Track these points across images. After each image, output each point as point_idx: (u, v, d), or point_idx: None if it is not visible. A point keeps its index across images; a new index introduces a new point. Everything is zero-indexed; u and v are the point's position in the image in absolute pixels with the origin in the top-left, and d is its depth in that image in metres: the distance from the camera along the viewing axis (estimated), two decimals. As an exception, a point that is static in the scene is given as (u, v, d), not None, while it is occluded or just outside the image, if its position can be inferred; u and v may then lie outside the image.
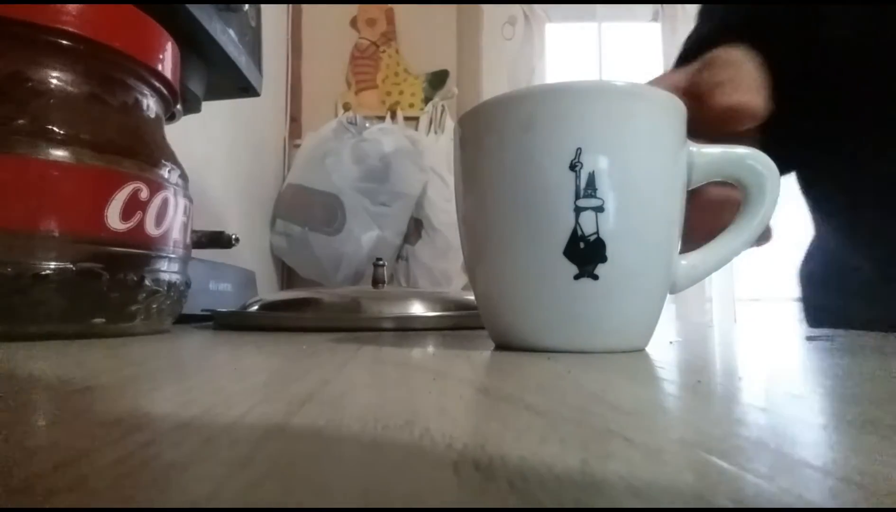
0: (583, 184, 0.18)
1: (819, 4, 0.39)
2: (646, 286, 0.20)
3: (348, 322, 0.36)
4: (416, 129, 1.47)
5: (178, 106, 0.37)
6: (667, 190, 0.19)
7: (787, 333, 0.33)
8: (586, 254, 0.18)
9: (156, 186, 0.29)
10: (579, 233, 0.18)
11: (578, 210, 0.18)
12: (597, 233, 0.18)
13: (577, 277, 0.18)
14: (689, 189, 0.21)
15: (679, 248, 0.21)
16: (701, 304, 1.48)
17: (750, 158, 0.20)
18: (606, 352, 0.20)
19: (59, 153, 0.26)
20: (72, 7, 0.27)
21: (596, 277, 0.18)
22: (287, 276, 1.42)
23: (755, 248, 0.23)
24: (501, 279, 0.20)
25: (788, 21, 0.38)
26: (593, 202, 0.18)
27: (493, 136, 0.19)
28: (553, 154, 0.18)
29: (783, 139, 0.26)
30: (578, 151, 0.18)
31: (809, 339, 0.27)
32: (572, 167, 0.18)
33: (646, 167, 0.19)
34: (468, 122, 0.20)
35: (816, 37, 0.32)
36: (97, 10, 0.28)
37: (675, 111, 0.20)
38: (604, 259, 0.18)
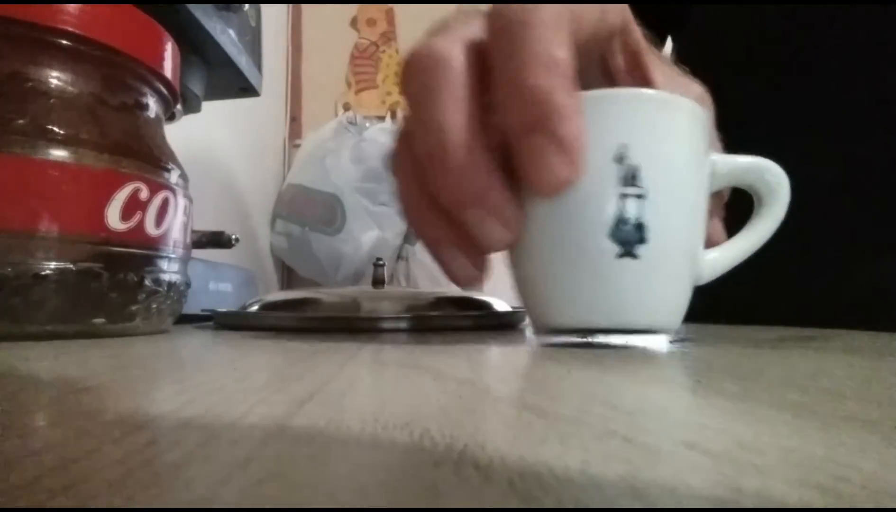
0: (627, 174, 0.20)
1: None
2: (678, 268, 0.22)
3: (348, 322, 0.36)
4: (416, 129, 1.47)
5: (178, 106, 0.37)
6: (696, 186, 0.22)
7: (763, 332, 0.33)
8: (629, 235, 0.20)
9: (156, 186, 0.29)
10: (623, 217, 0.20)
11: (623, 197, 0.20)
12: (639, 217, 0.20)
13: (619, 256, 0.21)
14: (711, 193, 0.23)
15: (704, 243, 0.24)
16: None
17: (766, 168, 0.24)
18: (643, 329, 0.22)
19: (59, 153, 0.26)
20: (72, 7, 0.27)
21: (636, 257, 0.21)
22: (287, 276, 1.42)
23: None
24: (550, 261, 0.22)
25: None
26: (635, 190, 0.20)
27: None
28: (601, 148, 0.20)
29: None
30: (623, 147, 0.20)
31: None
32: (618, 160, 0.20)
33: (679, 164, 0.22)
34: None
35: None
36: (97, 10, 0.28)
37: (702, 120, 0.22)
38: (644, 240, 0.20)
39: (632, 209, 0.20)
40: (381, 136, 1.30)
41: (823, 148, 0.40)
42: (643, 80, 0.25)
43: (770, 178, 0.24)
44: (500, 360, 0.21)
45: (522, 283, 0.23)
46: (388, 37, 1.64)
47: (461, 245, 0.22)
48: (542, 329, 0.24)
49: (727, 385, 0.15)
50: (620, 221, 0.20)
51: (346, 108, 1.56)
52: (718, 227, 0.27)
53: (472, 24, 0.21)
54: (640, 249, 0.20)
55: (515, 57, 0.19)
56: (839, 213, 0.40)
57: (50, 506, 0.06)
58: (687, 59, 0.31)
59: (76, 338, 0.26)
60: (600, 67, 0.25)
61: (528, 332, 0.35)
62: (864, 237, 0.40)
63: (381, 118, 1.51)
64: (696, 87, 0.28)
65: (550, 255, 0.22)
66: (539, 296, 0.23)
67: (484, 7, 0.22)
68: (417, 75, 0.21)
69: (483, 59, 0.20)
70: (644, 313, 0.22)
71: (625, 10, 0.25)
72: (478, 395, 0.13)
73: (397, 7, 1.64)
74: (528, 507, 0.06)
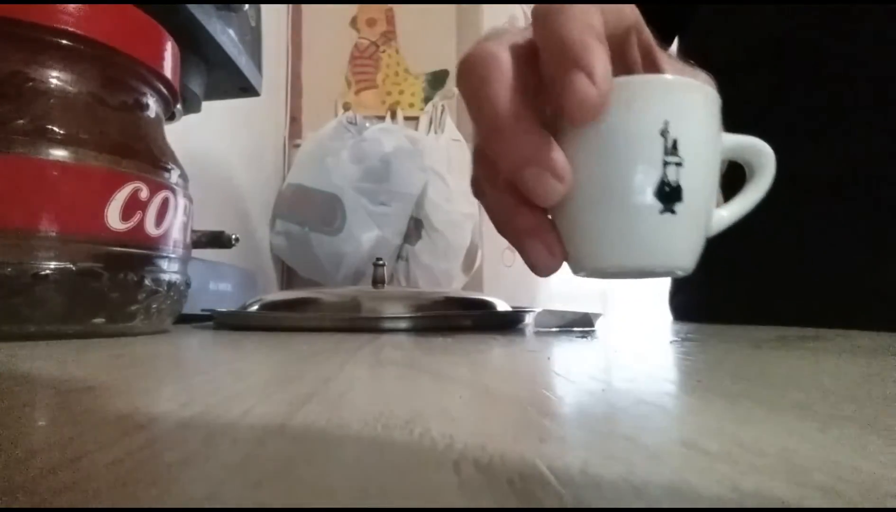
0: (669, 146, 0.25)
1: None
2: (701, 222, 0.27)
3: (348, 322, 0.36)
4: (416, 129, 1.47)
5: (178, 106, 0.37)
6: (715, 156, 0.27)
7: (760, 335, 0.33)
8: (669, 195, 0.25)
9: (156, 186, 0.29)
10: (665, 180, 0.25)
11: (665, 164, 0.25)
12: (677, 181, 0.25)
13: (661, 212, 0.25)
14: None
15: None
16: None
17: (759, 146, 0.28)
18: (675, 269, 0.27)
19: (59, 153, 0.26)
20: (72, 7, 0.27)
21: (674, 213, 0.25)
22: (287, 276, 1.42)
23: None
24: (600, 214, 0.26)
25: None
26: (675, 159, 0.25)
27: (605, 110, 0.25)
28: (650, 122, 0.25)
29: None
30: (666, 123, 0.24)
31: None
32: (662, 134, 0.24)
33: (706, 138, 0.26)
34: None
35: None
36: (97, 10, 0.28)
37: (719, 104, 0.27)
38: (681, 199, 0.25)
39: (672, 174, 0.25)
40: (382, 135, 1.30)
41: (823, 148, 0.40)
42: (656, 71, 0.28)
43: (762, 154, 0.29)
44: (500, 360, 0.21)
45: (570, 232, 0.27)
46: (388, 37, 1.64)
47: (538, 234, 0.26)
48: (586, 271, 0.27)
49: (727, 385, 0.15)
50: (664, 184, 0.25)
51: (346, 108, 1.55)
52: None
53: (517, 32, 0.25)
54: (678, 207, 0.25)
55: (556, 22, 0.23)
56: (839, 213, 0.40)
57: (50, 506, 0.06)
58: (689, 59, 0.31)
59: (76, 338, 0.26)
60: (620, 61, 0.28)
61: (528, 331, 0.35)
62: (863, 237, 0.40)
63: (381, 118, 1.51)
64: (703, 75, 0.31)
65: (601, 209, 0.25)
66: (586, 243, 0.27)
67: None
68: (470, 71, 0.25)
69: (529, 57, 0.24)
70: (676, 257, 0.26)
71: (635, 9, 0.28)
72: (478, 395, 0.13)
73: (397, 7, 1.63)
74: (528, 507, 0.06)
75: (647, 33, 0.28)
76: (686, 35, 0.51)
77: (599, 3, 0.25)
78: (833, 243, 0.41)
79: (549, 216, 0.27)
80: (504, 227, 0.28)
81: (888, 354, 0.22)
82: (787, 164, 0.27)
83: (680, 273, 0.27)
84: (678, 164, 0.25)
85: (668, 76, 0.28)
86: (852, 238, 0.40)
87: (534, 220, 0.26)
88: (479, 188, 0.29)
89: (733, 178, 0.29)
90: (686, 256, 0.27)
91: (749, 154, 0.29)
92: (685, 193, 0.25)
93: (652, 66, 0.29)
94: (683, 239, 0.26)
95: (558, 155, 0.24)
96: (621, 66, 0.28)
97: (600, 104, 0.23)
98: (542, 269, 0.27)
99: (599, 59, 0.22)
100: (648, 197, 0.25)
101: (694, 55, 0.32)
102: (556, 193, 0.24)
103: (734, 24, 0.46)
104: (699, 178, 0.26)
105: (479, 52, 0.25)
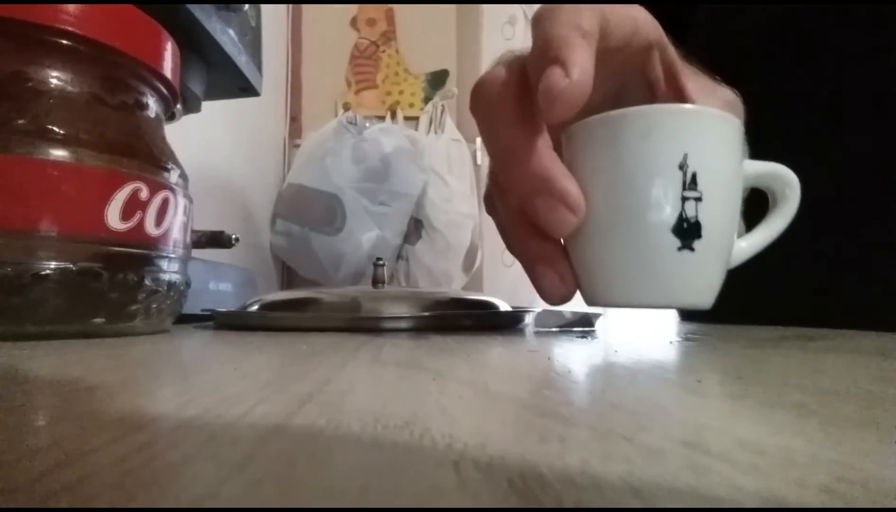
0: (688, 180, 0.23)
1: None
2: (721, 258, 0.26)
3: (348, 322, 0.36)
4: (416, 129, 1.47)
5: (178, 106, 0.37)
6: (736, 189, 0.26)
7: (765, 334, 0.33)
8: (688, 232, 0.24)
9: (156, 186, 0.29)
10: (684, 216, 0.24)
11: (684, 199, 0.24)
12: (696, 216, 0.24)
13: (679, 249, 0.24)
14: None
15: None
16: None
17: (784, 173, 0.27)
18: (691, 307, 0.26)
19: (59, 153, 0.26)
20: (72, 7, 0.27)
21: (693, 250, 0.24)
22: (287, 276, 1.42)
23: None
24: (616, 248, 0.25)
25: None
26: (694, 194, 0.24)
27: (617, 141, 0.24)
28: (668, 155, 0.24)
29: None
30: (685, 156, 0.23)
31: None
32: (680, 167, 0.23)
33: (727, 171, 0.25)
34: (593, 129, 0.25)
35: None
36: (97, 10, 0.28)
37: (741, 133, 0.26)
38: (700, 236, 0.24)
39: (691, 210, 0.24)
40: (381, 135, 1.30)
41: (824, 147, 0.40)
42: (678, 90, 0.28)
43: (787, 183, 0.27)
44: (500, 360, 0.21)
45: (584, 264, 0.26)
46: (388, 37, 1.64)
47: (550, 262, 0.26)
48: (599, 303, 0.27)
49: (727, 385, 0.15)
50: (682, 220, 0.24)
51: (346, 107, 1.55)
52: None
53: (518, 52, 0.25)
54: (696, 244, 0.24)
55: (546, 23, 0.22)
56: (839, 213, 0.40)
57: (50, 506, 0.06)
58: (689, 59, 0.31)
59: (76, 338, 0.26)
60: (641, 79, 0.28)
61: (528, 331, 0.35)
62: (863, 237, 0.40)
63: (381, 118, 1.51)
64: (727, 92, 0.30)
65: (616, 243, 0.25)
66: (600, 276, 0.26)
67: None
68: (481, 97, 0.24)
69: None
70: (693, 295, 0.25)
71: (657, 25, 0.27)
72: (478, 395, 0.13)
73: (397, 7, 1.64)
74: (528, 507, 0.06)
75: (671, 51, 0.27)
76: (686, 34, 0.51)
77: (605, 4, 0.24)
78: (833, 243, 0.41)
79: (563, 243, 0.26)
80: (516, 249, 0.27)
81: (888, 354, 0.22)
82: (788, 163, 0.27)
83: (699, 308, 0.26)
84: (697, 200, 0.24)
85: (686, 105, 0.26)
86: (853, 238, 0.40)
87: (547, 247, 0.26)
88: (492, 206, 0.29)
89: (753, 197, 0.28)
90: (704, 294, 0.26)
91: (773, 182, 0.28)
92: (705, 230, 0.24)
93: (674, 85, 0.28)
94: (702, 276, 0.25)
95: (571, 185, 0.23)
96: (642, 84, 0.28)
97: (574, 98, 0.21)
98: (553, 297, 0.26)
99: (578, 53, 0.21)
100: (666, 234, 0.24)
101: (694, 55, 0.32)
102: (569, 225, 0.24)
103: (730, 24, 0.46)
104: (719, 213, 0.24)
105: (490, 78, 0.24)
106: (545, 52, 0.22)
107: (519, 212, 0.25)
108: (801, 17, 0.42)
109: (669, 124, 0.24)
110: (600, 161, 0.25)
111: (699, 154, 0.23)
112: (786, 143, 0.29)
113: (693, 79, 0.28)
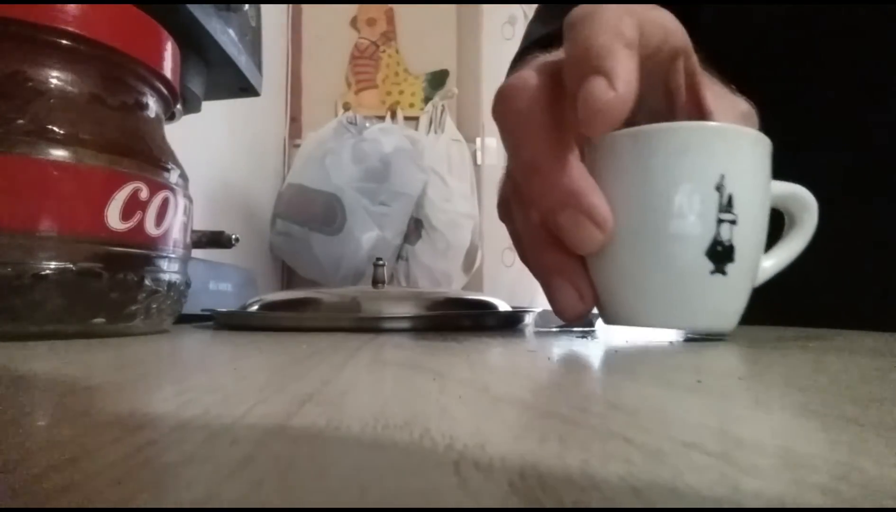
0: (724, 202, 0.23)
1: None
2: (750, 280, 0.25)
3: (348, 322, 0.36)
4: (416, 129, 1.47)
5: (178, 106, 0.37)
6: (767, 210, 0.25)
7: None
8: (721, 255, 0.23)
9: (156, 186, 0.29)
10: (718, 239, 0.23)
11: (720, 222, 0.23)
12: (731, 240, 0.23)
13: (711, 273, 0.23)
14: None
15: None
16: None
17: (804, 196, 0.27)
18: (715, 331, 0.25)
19: (59, 153, 0.26)
20: (72, 7, 0.27)
21: (725, 274, 0.23)
22: (287, 276, 1.42)
23: None
24: (645, 270, 0.24)
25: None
26: (730, 216, 0.23)
27: (651, 158, 0.23)
28: (706, 176, 0.23)
29: None
30: (722, 177, 0.23)
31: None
32: (717, 188, 0.23)
33: (760, 192, 0.24)
34: (624, 142, 0.24)
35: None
36: (97, 10, 0.28)
37: (770, 150, 0.25)
38: (732, 260, 0.23)
39: (725, 233, 0.23)
40: (381, 135, 1.30)
41: (827, 147, 0.40)
42: (696, 100, 0.27)
43: (806, 207, 0.27)
44: (500, 360, 0.21)
45: (607, 283, 0.25)
46: (388, 37, 1.64)
47: (569, 276, 0.25)
48: (621, 323, 0.26)
49: (727, 385, 0.15)
50: (716, 243, 0.23)
51: (346, 107, 1.56)
52: None
53: (550, 55, 0.24)
54: (729, 267, 0.23)
55: (584, 29, 0.21)
56: (840, 214, 0.40)
57: (50, 506, 0.06)
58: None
59: (76, 338, 0.26)
60: (662, 88, 0.27)
61: (528, 331, 0.35)
62: (863, 237, 0.40)
63: (381, 118, 1.51)
64: (744, 104, 0.29)
65: (645, 264, 0.24)
66: (625, 297, 0.25)
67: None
68: (506, 103, 0.23)
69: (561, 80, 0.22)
70: (720, 319, 0.25)
71: (685, 32, 0.26)
72: (478, 395, 0.13)
73: (397, 7, 1.64)
74: (528, 507, 0.06)
75: (694, 58, 0.27)
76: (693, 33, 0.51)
77: (635, 4, 0.23)
78: (834, 243, 0.40)
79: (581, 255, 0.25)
80: (531, 260, 0.26)
81: (888, 354, 0.22)
82: (790, 166, 0.26)
83: (722, 332, 0.25)
84: (732, 223, 0.23)
85: (725, 125, 0.25)
86: (854, 238, 0.40)
87: (566, 261, 0.25)
88: (507, 212, 0.27)
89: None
90: (731, 318, 0.25)
91: (792, 204, 0.27)
92: (737, 253, 0.23)
93: (693, 95, 0.27)
94: (731, 301, 0.25)
95: (600, 200, 0.22)
96: (663, 93, 0.27)
97: (619, 112, 0.20)
98: (569, 313, 0.25)
99: (622, 65, 0.20)
100: (699, 256, 0.23)
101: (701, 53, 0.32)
102: (595, 242, 0.23)
103: (736, 24, 0.46)
104: (752, 237, 0.24)
105: (519, 83, 0.23)
106: (586, 61, 0.20)
107: (539, 223, 0.24)
108: (806, 16, 0.41)
109: (707, 143, 0.23)
110: (630, 177, 0.24)
111: (736, 175, 0.23)
112: (786, 143, 0.29)
113: (711, 88, 0.28)
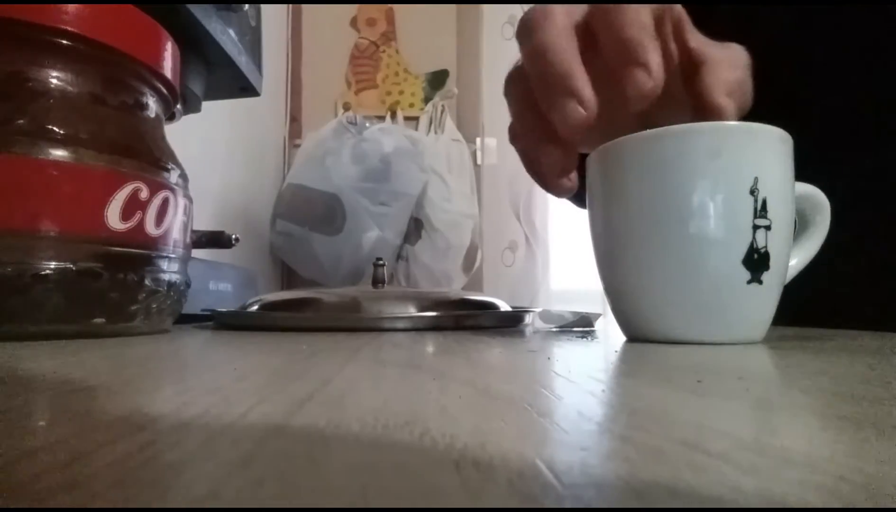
0: (759, 206, 0.22)
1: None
2: (781, 286, 0.24)
3: (348, 322, 0.36)
4: (416, 129, 1.47)
5: (178, 106, 0.37)
6: (793, 213, 0.24)
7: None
8: (758, 263, 0.22)
9: (156, 186, 0.29)
10: (754, 246, 0.22)
11: (755, 228, 0.22)
12: (766, 246, 0.22)
13: (749, 282, 0.22)
14: None
15: None
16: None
17: (816, 196, 0.27)
18: (745, 341, 0.23)
19: (59, 153, 0.26)
20: (72, 7, 0.27)
21: (761, 282, 0.22)
22: (287, 276, 1.42)
23: None
24: (677, 283, 0.23)
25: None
26: (765, 222, 0.22)
27: (681, 161, 0.23)
28: (739, 180, 0.22)
29: None
30: (756, 180, 0.22)
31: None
32: (751, 192, 0.22)
33: (790, 194, 0.24)
34: (648, 145, 0.24)
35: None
36: (97, 10, 0.28)
37: (793, 147, 0.24)
38: (768, 267, 0.22)
39: (761, 239, 0.22)
40: (381, 135, 1.30)
41: (832, 158, 0.40)
42: (683, 44, 0.29)
43: (820, 208, 0.27)
44: (500, 360, 0.21)
45: (633, 295, 0.25)
46: (388, 36, 1.64)
47: (554, 141, 0.27)
48: (647, 338, 0.25)
49: (727, 385, 0.15)
50: (753, 250, 0.22)
51: (346, 107, 1.56)
52: None
53: (575, 9, 0.27)
54: (765, 276, 0.22)
55: (616, 22, 0.25)
56: (840, 214, 0.40)
57: (50, 506, 0.06)
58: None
59: (76, 338, 0.26)
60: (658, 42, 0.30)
61: (528, 331, 0.35)
62: (863, 237, 0.40)
63: (381, 118, 1.51)
64: (737, 47, 0.30)
65: (677, 276, 0.23)
66: (654, 310, 0.24)
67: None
68: (535, 16, 0.26)
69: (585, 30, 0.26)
70: (752, 329, 0.24)
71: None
72: (478, 395, 0.13)
73: (397, 7, 1.64)
74: (528, 507, 0.06)
75: (678, 9, 0.29)
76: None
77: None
78: (835, 243, 0.40)
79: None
80: (519, 124, 0.29)
81: (889, 354, 0.22)
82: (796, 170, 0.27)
83: (751, 342, 0.24)
84: (767, 228, 0.22)
85: (758, 125, 0.23)
86: (853, 238, 0.40)
87: (560, 152, 0.27)
88: (513, 133, 0.31)
89: None
90: (761, 328, 0.24)
91: (805, 204, 0.26)
92: (772, 260, 0.22)
93: (679, 39, 0.29)
94: (765, 310, 0.23)
95: (587, 85, 0.25)
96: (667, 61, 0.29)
97: (655, 93, 0.24)
98: (555, 177, 0.28)
99: (654, 56, 0.24)
100: (736, 265, 0.22)
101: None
102: (579, 120, 0.25)
103: (752, 25, 0.46)
104: (784, 242, 0.23)
105: (538, 7, 0.27)
106: (627, 54, 0.24)
107: (537, 127, 0.27)
108: (815, 23, 0.41)
109: (740, 145, 0.22)
110: (658, 182, 0.23)
111: (769, 177, 0.22)
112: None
113: (696, 36, 0.30)
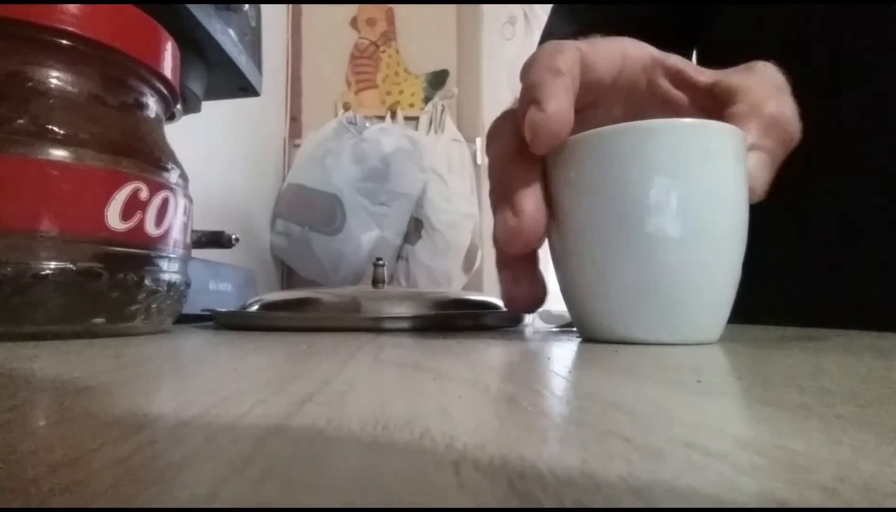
0: (714, 205, 0.22)
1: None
2: (736, 282, 0.24)
3: (348, 322, 0.36)
4: (416, 129, 1.47)
5: (178, 106, 0.37)
6: (747, 211, 0.24)
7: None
8: (708, 259, 0.23)
9: (156, 186, 0.29)
10: (702, 241, 0.22)
11: (699, 222, 0.22)
12: (715, 242, 0.22)
13: (699, 279, 0.22)
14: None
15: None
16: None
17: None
18: (705, 342, 0.24)
19: (59, 153, 0.26)
20: (72, 7, 0.27)
21: (713, 279, 0.23)
22: (287, 276, 1.42)
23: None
24: (626, 280, 0.23)
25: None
26: (721, 220, 0.23)
27: (640, 157, 0.22)
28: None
29: None
30: (700, 174, 0.22)
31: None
32: (696, 186, 0.22)
33: (744, 193, 0.24)
34: (608, 144, 0.23)
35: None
36: (97, 10, 0.28)
37: (746, 144, 0.24)
38: (720, 263, 0.23)
39: (708, 234, 0.22)
40: (381, 135, 1.30)
41: (832, 155, 0.40)
42: (694, 87, 0.28)
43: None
44: (500, 360, 0.21)
45: (594, 297, 0.25)
46: (388, 37, 1.64)
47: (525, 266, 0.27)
48: (604, 338, 0.25)
49: (727, 385, 0.15)
50: (700, 246, 0.22)
51: (346, 107, 1.56)
52: None
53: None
54: (716, 272, 0.23)
55: (526, 71, 0.25)
56: (839, 213, 0.40)
57: (50, 506, 0.06)
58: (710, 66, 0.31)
59: (76, 338, 0.26)
60: (656, 100, 0.29)
61: (528, 331, 0.35)
62: (863, 237, 0.40)
63: (381, 118, 1.51)
64: (765, 67, 0.29)
65: (625, 273, 0.23)
66: (614, 312, 0.24)
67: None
68: (539, 61, 0.26)
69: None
70: (708, 329, 0.24)
71: (649, 47, 0.28)
72: (478, 395, 0.13)
73: (397, 7, 1.64)
74: (528, 507, 0.06)
75: (674, 58, 0.28)
76: (710, 33, 0.51)
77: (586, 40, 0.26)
78: (836, 243, 0.40)
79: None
80: (500, 189, 0.29)
81: (888, 354, 0.22)
82: (793, 166, 0.27)
83: (710, 342, 0.25)
84: (724, 226, 0.23)
85: (709, 121, 0.24)
86: (855, 238, 0.40)
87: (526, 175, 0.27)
88: (492, 135, 0.31)
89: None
90: (720, 326, 0.25)
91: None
92: (723, 256, 0.23)
93: (689, 86, 0.28)
94: (721, 307, 0.24)
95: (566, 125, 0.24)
96: (654, 102, 0.29)
97: (552, 128, 0.23)
98: (521, 298, 0.28)
99: (548, 90, 0.23)
100: (693, 265, 0.22)
101: (719, 53, 0.32)
102: (555, 134, 0.24)
103: (762, 23, 0.46)
104: (737, 236, 0.24)
105: (545, 51, 0.26)
106: (526, 96, 0.24)
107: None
108: (820, 26, 0.41)
109: (695, 142, 0.22)
110: (615, 179, 0.22)
111: (713, 173, 0.22)
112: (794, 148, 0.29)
113: (705, 72, 0.29)
